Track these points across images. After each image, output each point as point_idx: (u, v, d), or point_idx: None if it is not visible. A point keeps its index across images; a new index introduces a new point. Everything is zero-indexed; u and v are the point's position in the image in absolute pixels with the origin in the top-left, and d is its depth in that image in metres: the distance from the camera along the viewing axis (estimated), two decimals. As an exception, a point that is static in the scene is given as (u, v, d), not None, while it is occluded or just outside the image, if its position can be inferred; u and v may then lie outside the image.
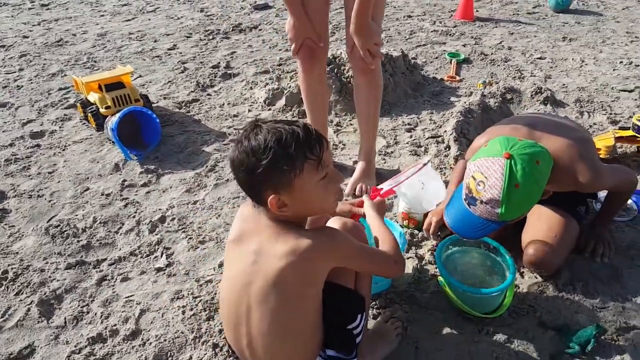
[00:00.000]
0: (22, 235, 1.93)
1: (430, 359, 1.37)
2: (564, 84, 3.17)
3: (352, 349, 1.19)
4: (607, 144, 2.20)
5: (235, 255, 1.17)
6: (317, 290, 1.13)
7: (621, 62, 3.50)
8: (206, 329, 1.48)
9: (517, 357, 1.37)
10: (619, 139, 2.28)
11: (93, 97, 2.63)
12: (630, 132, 2.25)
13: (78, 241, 1.88)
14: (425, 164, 1.66)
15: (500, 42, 4.03)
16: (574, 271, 1.65)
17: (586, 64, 3.50)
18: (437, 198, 1.82)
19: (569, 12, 4.79)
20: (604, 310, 1.51)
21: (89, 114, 2.63)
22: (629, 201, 1.90)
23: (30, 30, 4.64)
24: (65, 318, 1.54)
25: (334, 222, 1.29)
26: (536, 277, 1.64)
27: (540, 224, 1.65)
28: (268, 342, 1.13)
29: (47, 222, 1.99)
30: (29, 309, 1.57)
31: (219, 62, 3.76)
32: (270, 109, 2.95)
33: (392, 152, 2.46)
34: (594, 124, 2.65)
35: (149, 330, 1.49)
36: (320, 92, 2.13)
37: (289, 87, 3.03)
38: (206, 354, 1.40)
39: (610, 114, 2.74)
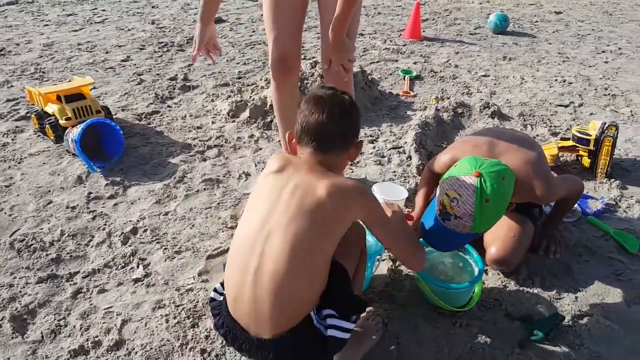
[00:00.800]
0: (-15, 250, 1.84)
1: (412, 352, 1.46)
2: (507, 100, 3.43)
3: (361, 310, 1.29)
4: (551, 153, 2.42)
5: (273, 185, 1.24)
6: (337, 236, 1.21)
7: (556, 79, 3.84)
8: (192, 336, 1.49)
9: (488, 346, 1.48)
10: (561, 148, 2.51)
11: (51, 108, 2.55)
12: (570, 143, 2.49)
13: (47, 255, 1.82)
14: None
15: (448, 61, 4.28)
16: (531, 267, 1.81)
17: (526, 82, 3.80)
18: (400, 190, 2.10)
19: (507, 34, 5.17)
20: (560, 301, 1.67)
21: (47, 126, 2.54)
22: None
23: (-32, 38, 4.40)
24: (41, 332, 1.49)
25: None
26: (499, 274, 1.78)
27: (500, 226, 1.76)
28: (278, 268, 1.15)
29: (10, 236, 1.91)
30: (0, 325, 1.50)
31: (177, 74, 3.74)
32: (234, 121, 2.98)
33: (357, 162, 2.56)
34: (537, 135, 2.90)
35: (133, 340, 1.48)
36: (293, 105, 2.19)
37: (252, 100, 3.07)
38: (194, 359, 1.41)
39: (551, 126, 3.00)
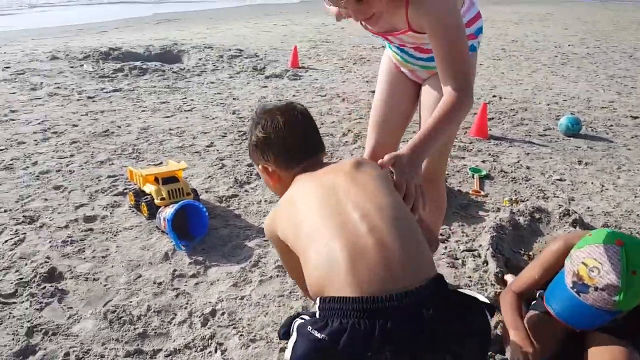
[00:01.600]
0: (81, 317, 1.97)
1: None
2: (588, 207, 3.34)
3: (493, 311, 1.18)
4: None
5: (314, 181, 1.29)
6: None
7: (640, 189, 3.70)
8: None
9: None
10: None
11: (149, 188, 2.80)
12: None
13: (134, 329, 1.91)
14: None
15: (518, 161, 4.27)
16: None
17: (606, 189, 3.70)
18: None
19: (580, 137, 5.10)
20: None
21: (143, 203, 2.78)
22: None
23: (79, 120, 4.97)
24: (126, 409, 1.54)
25: None
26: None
27: (603, 355, 1.58)
28: (380, 201, 1.16)
29: (104, 306, 2.05)
30: (89, 397, 1.57)
31: (254, 161, 3.99)
32: (307, 210, 3.09)
33: (430, 261, 2.55)
34: (621, 247, 2.76)
35: None
36: None
37: (327, 191, 3.20)
38: None
39: (640, 241, 2.85)
